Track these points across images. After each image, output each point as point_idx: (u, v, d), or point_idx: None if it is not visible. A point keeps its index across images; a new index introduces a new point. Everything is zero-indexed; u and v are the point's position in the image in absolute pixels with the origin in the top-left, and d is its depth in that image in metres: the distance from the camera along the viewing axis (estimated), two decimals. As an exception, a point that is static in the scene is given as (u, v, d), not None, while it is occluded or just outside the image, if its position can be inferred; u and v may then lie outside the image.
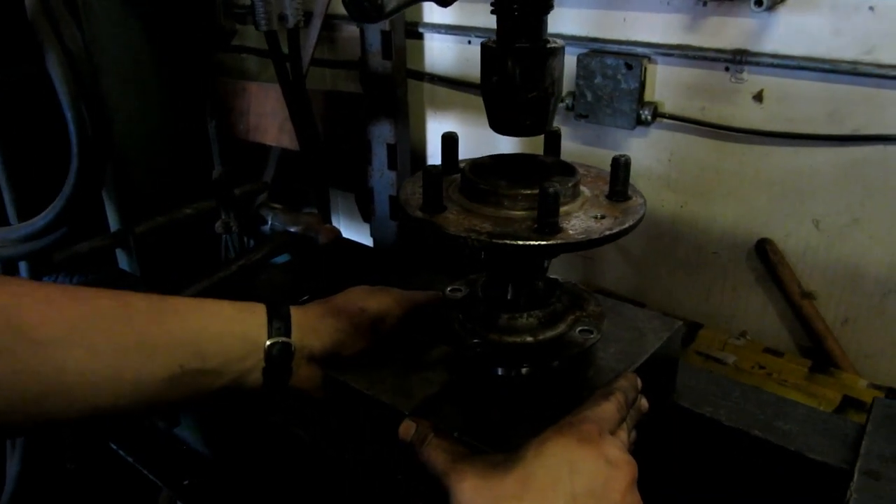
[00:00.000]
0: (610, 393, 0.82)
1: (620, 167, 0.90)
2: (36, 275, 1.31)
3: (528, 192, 0.85)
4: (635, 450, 1.01)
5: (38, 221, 1.21)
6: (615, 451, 0.73)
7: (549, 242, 0.80)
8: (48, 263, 1.30)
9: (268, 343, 0.86)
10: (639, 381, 0.89)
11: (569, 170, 0.92)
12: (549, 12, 0.82)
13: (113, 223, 1.46)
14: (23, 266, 1.33)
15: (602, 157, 2.02)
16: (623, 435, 0.81)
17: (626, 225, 0.84)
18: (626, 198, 0.90)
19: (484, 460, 0.74)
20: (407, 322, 1.00)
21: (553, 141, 0.99)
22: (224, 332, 0.84)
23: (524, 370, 0.93)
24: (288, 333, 0.88)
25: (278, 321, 0.88)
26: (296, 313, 0.91)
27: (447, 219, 0.85)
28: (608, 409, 0.80)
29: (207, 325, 0.83)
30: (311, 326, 0.92)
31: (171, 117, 1.49)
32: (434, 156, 2.61)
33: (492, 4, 0.82)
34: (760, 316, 2.08)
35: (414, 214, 0.86)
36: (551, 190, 0.79)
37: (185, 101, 1.53)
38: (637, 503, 0.72)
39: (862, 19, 1.69)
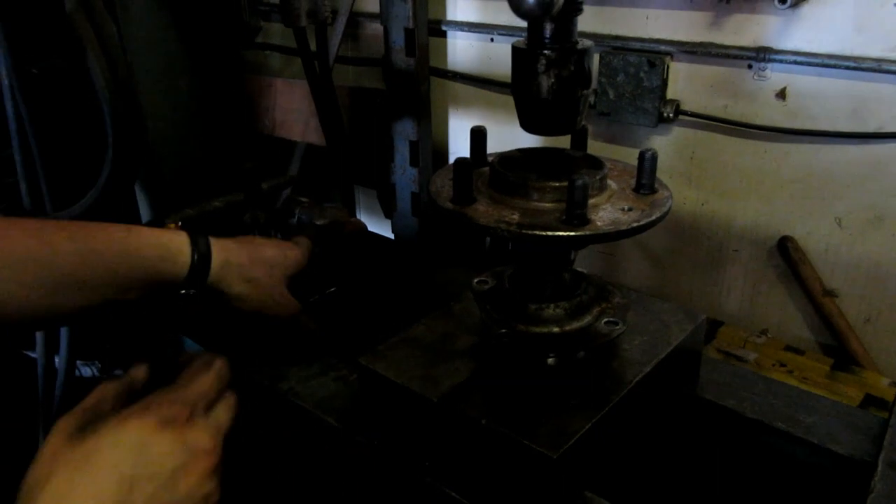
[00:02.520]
0: (211, 364, 0.81)
1: (647, 161, 0.91)
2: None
3: (557, 184, 0.86)
4: (650, 441, 1.03)
5: (75, 210, 1.24)
6: (199, 436, 0.72)
7: (578, 233, 0.81)
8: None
9: (193, 241, 1.01)
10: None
11: (596, 163, 0.94)
12: (579, 14, 0.84)
13: (145, 214, 1.49)
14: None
15: (624, 155, 2.03)
16: (220, 415, 0.79)
17: (654, 217, 0.85)
18: (653, 191, 0.91)
19: (83, 415, 0.72)
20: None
21: (580, 136, 1.01)
22: (147, 247, 0.96)
23: (550, 360, 0.95)
24: (208, 245, 1.02)
25: (201, 237, 1.02)
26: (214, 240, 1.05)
27: (477, 210, 0.87)
28: (206, 383, 0.79)
29: (130, 255, 0.93)
30: (228, 245, 1.07)
31: (200, 112, 1.52)
32: (456, 153, 2.63)
33: None
34: (782, 314, 2.08)
35: (444, 206, 0.88)
36: (579, 182, 0.81)
37: (214, 97, 1.55)
38: (209, 494, 0.71)
39: (887, 16, 1.68)
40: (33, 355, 1.51)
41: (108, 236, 0.92)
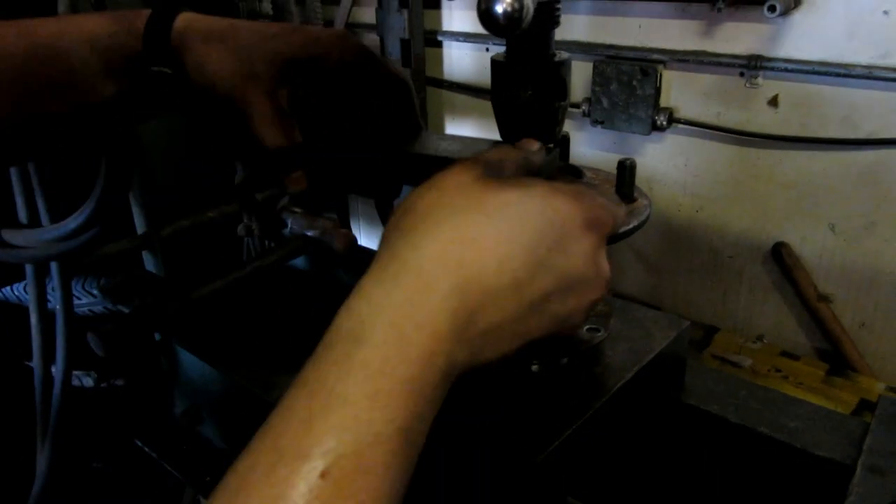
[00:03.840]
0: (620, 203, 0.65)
1: (626, 170, 0.92)
2: (66, 275, 1.36)
3: (536, 193, 0.88)
4: (644, 449, 1.04)
5: (70, 223, 1.26)
6: (605, 261, 0.59)
7: (555, 242, 0.82)
8: (77, 264, 1.34)
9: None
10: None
11: (576, 172, 0.95)
12: (556, 27, 0.85)
13: (139, 226, 1.50)
14: (54, 266, 1.38)
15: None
16: None
17: (631, 225, 0.86)
18: (632, 199, 0.92)
19: (487, 165, 0.59)
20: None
21: (562, 146, 1.02)
22: (98, 26, 0.78)
23: (533, 367, 0.96)
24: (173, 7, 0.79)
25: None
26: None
27: (458, 220, 0.88)
28: (621, 215, 0.64)
29: (81, 36, 0.78)
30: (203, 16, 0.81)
31: (194, 123, 1.54)
32: (453, 161, 2.64)
33: None
34: (777, 319, 2.09)
35: (426, 215, 0.89)
36: (557, 191, 0.82)
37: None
38: (579, 325, 0.59)
39: (876, 24, 1.70)
40: (31, 364, 1.53)
41: (58, 24, 0.79)
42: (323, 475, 0.43)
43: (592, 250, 0.56)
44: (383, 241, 0.54)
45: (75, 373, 1.61)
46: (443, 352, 0.49)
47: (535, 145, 0.71)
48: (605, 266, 0.58)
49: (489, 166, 0.58)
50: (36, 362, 1.48)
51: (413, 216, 0.53)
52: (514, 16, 0.65)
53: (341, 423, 0.44)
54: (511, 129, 0.90)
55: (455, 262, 0.50)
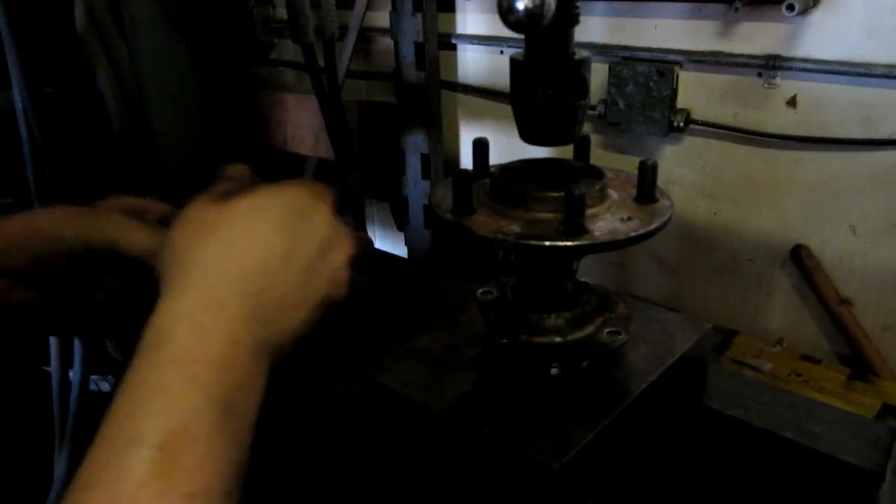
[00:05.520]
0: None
1: (647, 170, 0.91)
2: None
3: (556, 194, 0.87)
4: (666, 453, 1.03)
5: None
6: (341, 224, 0.72)
7: (575, 243, 0.81)
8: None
9: None
10: None
11: (596, 173, 0.94)
12: (576, 25, 0.84)
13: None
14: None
15: (635, 165, 2.02)
16: None
17: (653, 226, 0.85)
18: (653, 200, 0.91)
19: (222, 189, 0.69)
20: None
21: (582, 146, 1.01)
22: None
23: (553, 370, 0.95)
24: None
25: None
26: None
27: (477, 221, 0.87)
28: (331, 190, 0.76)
29: None
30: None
31: (209, 127, 1.54)
32: (467, 165, 2.63)
33: None
34: (797, 323, 2.06)
35: (444, 217, 0.89)
36: (577, 192, 0.81)
37: (224, 112, 1.57)
38: (344, 283, 0.71)
39: (897, 22, 1.68)
40: (49, 370, 1.53)
41: None
42: (157, 448, 0.50)
43: (328, 215, 0.70)
44: (165, 267, 0.63)
45: (92, 377, 1.61)
46: (242, 331, 0.59)
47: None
48: (342, 228, 0.71)
49: (224, 189, 0.69)
50: (54, 367, 1.48)
51: (179, 243, 0.63)
52: (535, 12, 0.64)
53: (165, 406, 0.52)
54: (530, 129, 0.89)
55: (230, 259, 0.62)
